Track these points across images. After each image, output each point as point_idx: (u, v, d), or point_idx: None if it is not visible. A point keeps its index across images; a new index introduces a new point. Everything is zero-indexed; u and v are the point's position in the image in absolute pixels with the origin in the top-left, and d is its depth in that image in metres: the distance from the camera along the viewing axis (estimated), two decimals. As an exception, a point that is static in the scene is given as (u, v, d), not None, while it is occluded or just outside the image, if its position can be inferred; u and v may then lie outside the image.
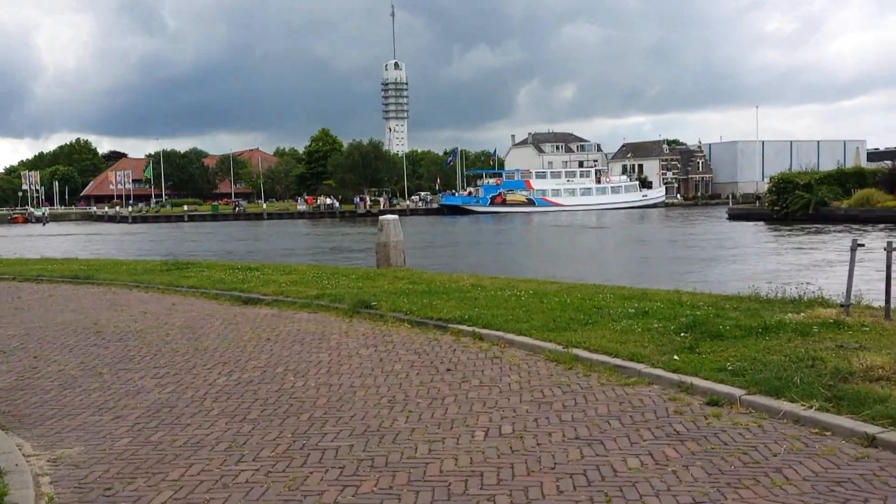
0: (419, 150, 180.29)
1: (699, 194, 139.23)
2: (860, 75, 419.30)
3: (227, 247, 50.83)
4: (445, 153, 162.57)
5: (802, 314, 10.34)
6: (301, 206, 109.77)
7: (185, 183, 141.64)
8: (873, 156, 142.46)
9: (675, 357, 8.22)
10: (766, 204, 67.33)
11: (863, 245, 10.72)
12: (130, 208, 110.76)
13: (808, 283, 14.78)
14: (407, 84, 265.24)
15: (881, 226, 50.20)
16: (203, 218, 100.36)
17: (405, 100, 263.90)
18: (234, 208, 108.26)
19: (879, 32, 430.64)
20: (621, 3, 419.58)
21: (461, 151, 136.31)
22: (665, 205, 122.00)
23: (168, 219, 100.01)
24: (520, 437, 6.21)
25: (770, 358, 7.92)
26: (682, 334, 9.13)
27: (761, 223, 61.56)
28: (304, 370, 8.81)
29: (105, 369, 9.16)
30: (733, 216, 72.93)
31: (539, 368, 8.59)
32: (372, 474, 5.51)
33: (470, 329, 10.67)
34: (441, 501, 5.03)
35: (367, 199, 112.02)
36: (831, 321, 9.50)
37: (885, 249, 10.02)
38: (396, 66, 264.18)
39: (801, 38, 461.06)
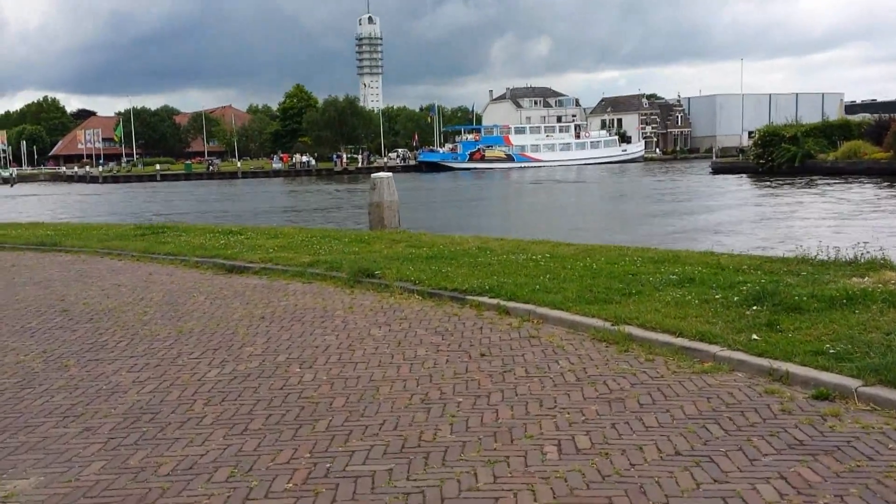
0: (395, 107, 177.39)
1: (678, 148, 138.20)
2: (831, 29, 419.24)
3: (203, 207, 49.02)
4: (422, 109, 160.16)
5: (868, 278, 9.10)
6: (277, 165, 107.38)
7: (156, 142, 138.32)
8: (850, 108, 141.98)
9: (755, 336, 6.91)
10: (752, 157, 66.33)
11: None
12: (101, 168, 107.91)
13: (828, 241, 13.61)
14: (381, 39, 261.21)
15: (866, 178, 49.35)
16: (176, 177, 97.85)
17: (379, 55, 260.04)
18: (208, 167, 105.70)
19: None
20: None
21: (438, 107, 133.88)
22: (644, 159, 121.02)
23: (140, 178, 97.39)
24: (604, 454, 4.86)
25: (870, 336, 6.64)
26: (752, 307, 7.80)
27: (746, 176, 60.60)
28: (311, 358, 7.40)
29: (72, 360, 7.71)
30: (717, 170, 71.83)
31: (589, 351, 7.26)
32: (428, 518, 4.16)
33: (493, 301, 9.32)
34: (535, 565, 3.69)
35: (344, 156, 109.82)
36: (917, 289, 8.23)
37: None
38: (370, 20, 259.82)
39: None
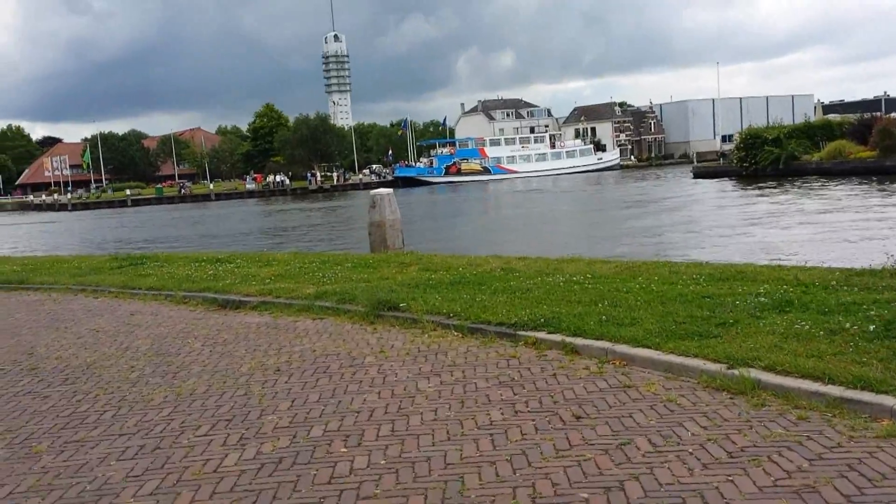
0: (366, 123, 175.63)
1: (652, 155, 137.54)
2: (791, 32, 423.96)
3: (180, 231, 47.02)
4: (392, 125, 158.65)
5: None
6: (250, 185, 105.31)
7: (125, 166, 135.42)
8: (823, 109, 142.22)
9: (934, 383, 5.34)
10: (734, 160, 65.28)
11: None
12: (70, 195, 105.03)
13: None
14: (348, 56, 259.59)
15: (857, 178, 48.24)
16: (148, 202, 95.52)
17: (347, 72, 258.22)
18: (180, 190, 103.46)
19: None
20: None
21: (410, 122, 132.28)
22: (620, 167, 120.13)
23: (111, 204, 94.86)
24: None
25: None
26: (902, 341, 6.24)
27: (729, 180, 59.48)
28: (356, 430, 5.72)
29: (44, 443, 5.97)
30: (699, 174, 70.74)
31: (713, 407, 5.65)
32: None
33: (555, 338, 7.71)
34: None
35: (318, 174, 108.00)
36: None
37: None
38: (336, 38, 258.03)
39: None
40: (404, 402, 6.32)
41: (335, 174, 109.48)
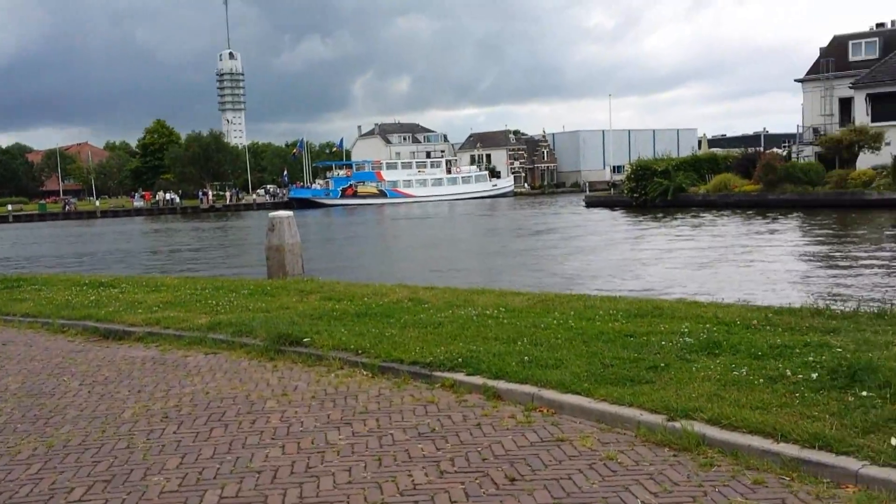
0: (260, 142, 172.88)
1: (545, 183, 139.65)
2: (674, 69, 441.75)
3: (62, 250, 44.53)
4: (288, 145, 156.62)
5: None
6: (138, 203, 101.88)
7: (7, 181, 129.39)
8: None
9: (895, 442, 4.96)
10: (625, 191, 66.55)
11: None
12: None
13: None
14: (243, 74, 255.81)
15: (741, 211, 49.64)
16: (30, 218, 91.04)
17: (242, 90, 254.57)
18: (64, 206, 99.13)
19: (692, 27, 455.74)
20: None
21: (306, 143, 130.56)
22: (514, 194, 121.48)
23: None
24: None
25: None
26: (853, 391, 5.86)
27: (621, 210, 60.48)
28: (258, 497, 4.93)
29: None
30: (591, 203, 71.83)
31: (658, 467, 5.14)
32: None
33: (475, 381, 7.14)
34: None
35: (210, 193, 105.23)
36: None
37: None
38: (231, 55, 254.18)
39: (621, 33, 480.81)
40: (313, 458, 5.59)
41: (228, 193, 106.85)
